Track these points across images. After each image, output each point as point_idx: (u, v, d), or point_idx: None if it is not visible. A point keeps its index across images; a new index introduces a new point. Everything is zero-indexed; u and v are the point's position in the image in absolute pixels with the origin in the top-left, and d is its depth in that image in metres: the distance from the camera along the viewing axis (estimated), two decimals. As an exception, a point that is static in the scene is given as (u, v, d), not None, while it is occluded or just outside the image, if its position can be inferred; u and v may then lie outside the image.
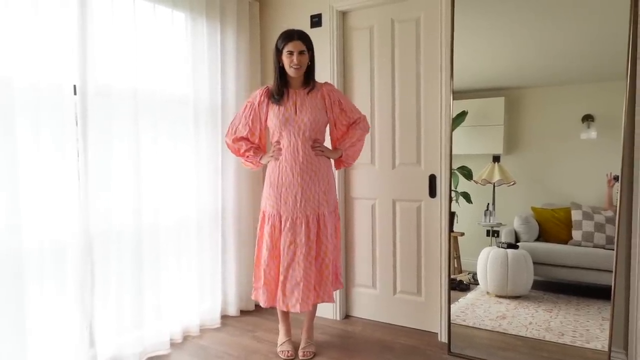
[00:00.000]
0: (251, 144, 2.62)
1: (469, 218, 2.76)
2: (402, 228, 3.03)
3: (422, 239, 2.95)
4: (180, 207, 2.89)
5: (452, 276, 2.75)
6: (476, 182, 2.71)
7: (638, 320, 2.25)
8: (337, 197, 2.73)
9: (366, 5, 3.02)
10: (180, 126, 2.88)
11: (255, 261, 2.63)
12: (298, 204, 2.46)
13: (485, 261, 2.71)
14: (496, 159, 2.66)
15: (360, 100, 3.07)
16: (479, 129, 2.73)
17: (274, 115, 2.51)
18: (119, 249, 2.48)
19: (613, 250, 2.26)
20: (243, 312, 3.31)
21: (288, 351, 2.59)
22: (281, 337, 2.69)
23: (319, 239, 2.50)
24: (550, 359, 2.40)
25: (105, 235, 2.42)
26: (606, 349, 2.26)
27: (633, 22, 2.17)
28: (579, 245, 2.46)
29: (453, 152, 2.67)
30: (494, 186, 2.68)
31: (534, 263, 2.59)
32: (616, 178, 2.26)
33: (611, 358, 2.27)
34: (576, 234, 2.47)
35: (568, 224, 2.49)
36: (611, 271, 2.26)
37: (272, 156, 2.55)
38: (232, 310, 3.25)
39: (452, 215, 2.74)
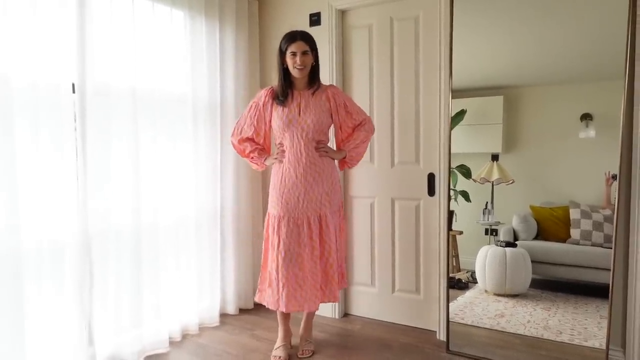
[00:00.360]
0: (256, 145, 2.61)
1: (467, 217, 2.77)
2: (400, 227, 3.03)
3: (421, 238, 2.96)
4: (179, 206, 2.89)
5: (450, 275, 2.76)
6: (475, 181, 2.72)
7: (636, 318, 2.26)
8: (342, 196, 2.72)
9: (365, 4, 3.01)
10: (179, 125, 2.88)
11: (262, 262, 2.62)
12: (300, 205, 2.46)
13: (484, 260, 2.72)
14: (495, 157, 2.67)
15: (359, 99, 3.07)
16: (477, 127, 2.74)
17: (277, 117, 2.50)
18: (117, 248, 2.48)
19: (611, 248, 2.27)
20: (242, 311, 3.32)
21: (280, 357, 2.55)
22: (278, 341, 2.66)
23: (321, 239, 2.50)
24: (548, 357, 2.41)
25: (103, 234, 2.42)
26: (604, 347, 2.27)
27: (631, 22, 2.17)
28: (577, 243, 2.47)
29: (452, 151, 2.67)
30: (492, 185, 2.68)
31: (533, 261, 2.59)
32: (614, 177, 2.27)
33: (609, 356, 2.28)
34: (574, 233, 2.48)
35: (566, 223, 2.50)
36: (609, 269, 2.26)
37: (275, 158, 2.54)
38: (231, 309, 3.25)
39: (450, 213, 2.74)
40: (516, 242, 2.64)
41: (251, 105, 2.60)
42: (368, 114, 2.84)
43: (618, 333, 2.33)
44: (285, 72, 2.49)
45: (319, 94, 2.52)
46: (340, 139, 2.62)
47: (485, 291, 2.73)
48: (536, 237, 2.61)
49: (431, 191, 2.87)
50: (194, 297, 2.97)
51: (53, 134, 2.18)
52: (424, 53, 2.87)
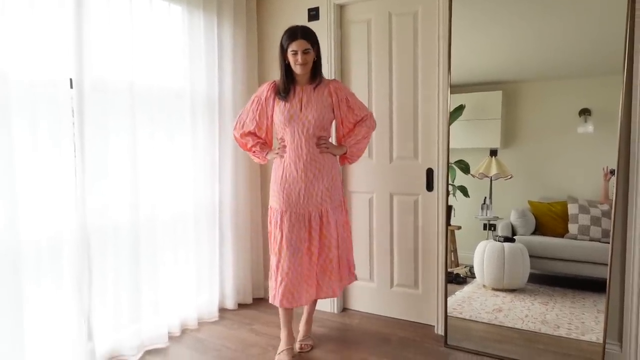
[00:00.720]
0: (258, 139, 2.61)
1: (466, 212, 2.78)
2: (399, 222, 3.04)
3: (420, 233, 2.97)
4: (178, 202, 2.89)
5: (449, 269, 2.76)
6: (473, 176, 2.72)
7: (633, 312, 2.27)
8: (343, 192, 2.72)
9: (364, -2, 3.01)
10: (177, 120, 2.87)
11: (273, 260, 2.60)
12: (301, 201, 2.46)
13: (482, 254, 2.72)
14: (493, 152, 2.67)
15: (358, 94, 3.04)
16: (476, 122, 2.74)
17: (279, 112, 2.49)
18: (116, 244, 2.48)
19: (609, 243, 2.28)
20: (241, 306, 3.32)
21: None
22: (281, 345, 2.59)
23: (321, 235, 2.51)
24: (545, 351, 2.42)
25: (102, 230, 2.42)
26: (601, 341, 2.28)
27: (630, 18, 2.17)
28: (575, 238, 2.48)
29: (450, 146, 2.67)
30: (491, 180, 2.69)
31: (531, 256, 2.60)
32: (612, 172, 2.27)
33: (606, 350, 2.30)
34: (572, 228, 2.48)
35: (564, 218, 2.51)
36: (607, 264, 2.27)
37: (277, 153, 2.54)
38: (230, 304, 3.26)
39: (449, 208, 2.75)
40: (514, 237, 2.65)
41: (253, 99, 2.59)
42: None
43: (615, 327, 2.34)
44: (287, 68, 2.47)
45: (321, 88, 2.51)
46: (341, 134, 2.61)
47: (484, 286, 2.74)
48: (534, 232, 2.62)
49: (430, 186, 2.87)
50: (192, 292, 2.97)
51: (51, 130, 2.18)
52: (423, 48, 2.86)
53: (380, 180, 3.09)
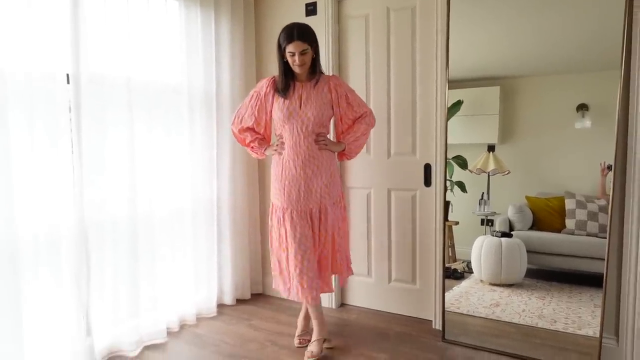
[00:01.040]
0: (256, 135, 2.60)
1: (463, 207, 2.78)
2: (397, 217, 3.05)
3: (417, 228, 2.97)
4: (175, 197, 2.88)
5: (446, 265, 2.77)
6: (471, 172, 2.72)
7: (629, 307, 2.28)
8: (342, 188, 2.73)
9: (361, -7, 3.00)
10: (175, 115, 2.87)
11: (272, 251, 2.64)
12: (302, 197, 2.46)
13: (480, 250, 2.73)
14: (491, 148, 2.67)
15: (356, 90, 3.04)
16: (474, 118, 2.74)
17: (278, 108, 2.48)
18: (114, 239, 2.48)
19: (606, 238, 2.29)
20: (239, 301, 3.33)
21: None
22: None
23: (320, 231, 2.52)
24: (542, 346, 2.44)
25: (100, 225, 2.42)
26: (597, 336, 2.29)
27: (628, 13, 2.17)
28: (572, 233, 2.49)
29: (448, 142, 2.68)
30: (488, 175, 2.69)
31: (528, 251, 2.61)
32: (610, 167, 2.28)
33: (602, 344, 2.31)
34: (569, 223, 2.49)
35: (562, 213, 2.51)
36: (603, 259, 2.28)
37: (275, 150, 2.53)
38: (228, 299, 3.26)
39: (446, 204, 2.75)
40: (512, 232, 2.66)
41: (252, 95, 2.57)
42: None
43: (611, 321, 2.36)
44: (285, 65, 2.46)
45: (320, 85, 2.50)
46: (340, 130, 2.60)
47: (481, 281, 2.75)
48: (531, 227, 2.63)
49: (427, 182, 2.88)
50: (191, 288, 2.98)
51: (48, 124, 2.17)
52: (421, 43, 2.86)
53: (378, 176, 3.09)
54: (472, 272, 2.77)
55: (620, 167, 2.28)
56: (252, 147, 2.62)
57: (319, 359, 2.48)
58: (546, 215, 2.57)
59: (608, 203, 2.28)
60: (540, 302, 2.54)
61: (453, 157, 2.73)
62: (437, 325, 2.83)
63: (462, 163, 2.73)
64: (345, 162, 3.17)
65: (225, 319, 3.05)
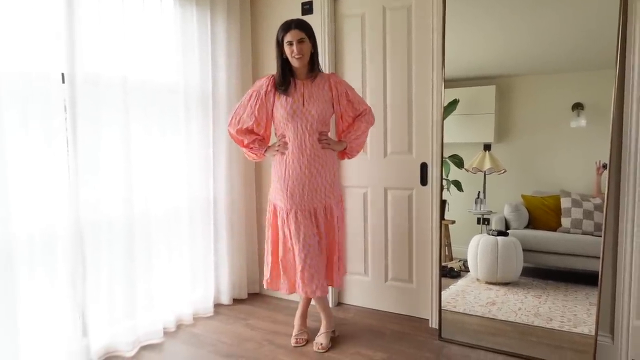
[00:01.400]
0: (256, 136, 2.56)
1: (460, 206, 2.79)
2: (393, 216, 3.05)
3: (414, 227, 2.98)
4: (172, 196, 2.88)
5: (443, 263, 2.78)
6: (467, 171, 2.73)
7: (624, 305, 2.29)
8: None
9: (358, -7, 3.00)
10: (171, 115, 2.86)
11: (271, 255, 2.63)
12: (306, 196, 2.46)
13: (476, 248, 2.74)
14: (487, 147, 2.68)
15: (352, 89, 3.06)
16: (470, 117, 2.74)
17: (280, 106, 2.46)
18: (110, 239, 2.48)
19: (601, 236, 2.30)
20: (236, 301, 3.33)
21: (321, 344, 2.58)
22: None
23: (327, 229, 2.53)
24: (538, 344, 2.44)
25: (95, 224, 2.41)
26: (593, 334, 2.31)
27: (622, 12, 2.17)
28: (568, 232, 2.50)
29: (444, 141, 2.68)
30: (484, 174, 2.70)
31: (524, 250, 2.62)
32: (605, 166, 2.29)
33: (598, 342, 2.32)
34: (565, 221, 2.50)
35: (557, 212, 2.52)
36: (599, 257, 2.29)
37: (277, 150, 2.52)
38: (225, 299, 3.26)
39: (443, 203, 2.76)
40: (508, 231, 2.67)
41: (251, 94, 2.54)
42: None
43: (607, 319, 2.37)
44: (284, 62, 2.45)
45: (320, 82, 2.50)
46: (341, 129, 2.61)
47: (477, 279, 2.76)
48: (527, 226, 2.64)
49: (424, 181, 2.88)
50: (187, 288, 2.97)
51: (43, 124, 2.16)
52: (417, 42, 2.86)
53: (374, 175, 3.09)
54: (469, 271, 2.78)
55: (615, 166, 2.29)
56: (252, 148, 2.58)
57: (327, 351, 2.53)
58: (542, 213, 2.58)
59: (603, 201, 2.29)
60: (536, 301, 2.55)
61: (449, 156, 2.74)
62: (434, 323, 2.83)
63: (459, 162, 2.74)
64: (342, 161, 3.17)
65: (222, 318, 3.04)
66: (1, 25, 1.99)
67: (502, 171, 2.63)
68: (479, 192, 2.73)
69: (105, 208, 2.45)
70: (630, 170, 2.24)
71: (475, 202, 2.75)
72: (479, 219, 2.75)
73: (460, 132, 2.73)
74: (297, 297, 2.97)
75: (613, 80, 2.21)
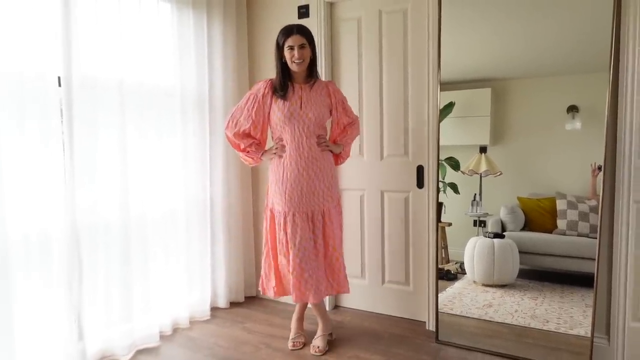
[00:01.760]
0: (252, 140, 2.57)
1: (456, 208, 2.79)
2: (390, 219, 3.05)
3: (410, 230, 2.98)
4: (168, 199, 2.87)
5: (439, 266, 2.78)
6: (463, 173, 2.74)
7: (620, 306, 2.30)
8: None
9: (354, -4, 3.01)
10: (167, 118, 2.86)
11: (265, 258, 2.64)
12: (304, 200, 2.46)
13: (472, 251, 2.74)
14: (483, 149, 2.69)
15: (348, 92, 3.07)
16: (466, 120, 2.75)
17: (278, 109, 2.47)
18: (106, 242, 2.47)
19: (596, 238, 2.31)
20: (233, 304, 3.32)
21: (318, 347, 2.57)
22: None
23: (326, 233, 2.53)
24: (535, 346, 2.45)
25: (92, 227, 2.40)
26: (589, 335, 2.31)
27: (616, 15, 2.19)
28: (564, 234, 2.50)
29: (440, 143, 2.69)
30: (480, 177, 2.71)
31: (520, 252, 2.63)
32: (600, 168, 2.30)
33: (594, 343, 2.33)
34: (561, 223, 2.51)
35: (553, 214, 2.53)
36: (594, 259, 2.30)
37: (275, 153, 2.53)
38: (222, 302, 3.25)
39: (439, 205, 2.76)
40: (504, 233, 2.67)
41: (248, 97, 2.55)
42: (354, 106, 2.93)
43: (602, 321, 2.37)
44: (283, 66, 2.47)
45: (319, 88, 2.53)
46: (335, 134, 2.66)
47: (474, 282, 2.76)
48: (523, 228, 2.64)
49: (420, 183, 2.89)
50: (184, 291, 2.96)
51: (39, 127, 2.15)
52: (413, 46, 2.87)
53: (371, 178, 3.10)
54: (465, 273, 2.79)
55: (609, 168, 2.30)
56: (249, 152, 2.59)
57: (324, 354, 2.53)
58: (538, 216, 2.59)
59: (599, 203, 2.30)
60: (533, 303, 2.56)
61: (445, 159, 2.75)
62: (431, 326, 2.83)
63: (455, 164, 2.74)
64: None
65: (218, 322, 3.04)
66: (-3, 28, 1.99)
67: (498, 173, 2.64)
68: (475, 194, 2.74)
69: (102, 210, 2.44)
70: (625, 172, 2.25)
71: (472, 205, 2.75)
72: (475, 221, 2.76)
73: (456, 135, 2.74)
74: (294, 300, 2.96)
75: (607, 83, 2.22)
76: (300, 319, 2.75)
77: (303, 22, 3.07)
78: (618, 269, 2.30)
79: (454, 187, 2.77)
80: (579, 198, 2.44)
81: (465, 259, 2.77)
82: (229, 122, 2.58)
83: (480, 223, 2.75)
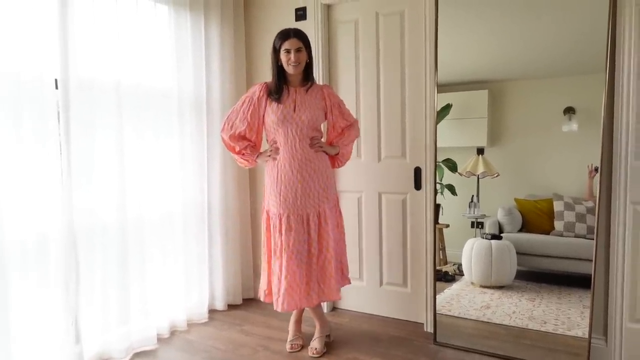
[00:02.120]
0: (248, 142, 2.58)
1: (453, 210, 2.80)
2: (388, 220, 3.05)
3: (408, 231, 2.98)
4: (166, 202, 2.87)
5: (437, 267, 2.78)
6: (461, 175, 2.74)
7: (617, 307, 2.31)
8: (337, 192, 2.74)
9: (351, -2, 3.02)
10: (165, 120, 2.85)
11: (267, 264, 2.62)
12: (298, 201, 2.46)
13: (470, 252, 2.75)
14: (480, 151, 2.69)
15: (346, 94, 3.07)
16: (463, 121, 2.76)
17: (272, 112, 2.48)
18: (103, 244, 2.46)
19: (593, 239, 2.31)
20: (230, 307, 3.31)
21: (316, 349, 2.57)
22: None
23: (320, 235, 2.51)
24: (533, 347, 2.45)
25: (89, 229, 2.40)
26: (587, 336, 2.31)
27: (612, 16, 2.21)
28: (561, 235, 2.51)
29: (438, 145, 2.70)
30: (478, 178, 2.71)
31: (517, 253, 2.63)
32: (597, 169, 2.31)
33: (591, 345, 2.33)
34: (558, 225, 2.52)
35: (550, 215, 2.54)
36: (591, 260, 2.31)
37: (269, 156, 2.53)
38: (220, 305, 3.24)
39: (437, 207, 2.77)
40: (501, 235, 2.68)
41: (244, 100, 2.57)
42: (352, 108, 2.91)
43: (600, 322, 2.38)
44: (279, 70, 2.48)
45: (314, 91, 2.54)
46: (332, 137, 2.65)
47: (472, 283, 2.77)
48: (521, 230, 2.65)
49: (418, 185, 2.89)
50: (181, 294, 2.95)
51: (36, 129, 2.15)
52: (410, 48, 2.88)
53: (368, 180, 3.10)
54: (463, 275, 2.79)
55: (606, 169, 2.31)
56: (244, 154, 2.59)
57: (322, 356, 2.53)
58: (535, 217, 2.60)
59: (595, 204, 2.31)
60: (530, 304, 2.56)
61: (443, 160, 2.75)
62: (429, 328, 2.83)
63: (452, 166, 2.75)
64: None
65: (216, 324, 3.03)
66: (-6, 30, 1.99)
67: (495, 175, 2.65)
68: (473, 196, 2.75)
69: (99, 212, 2.44)
70: (621, 173, 2.26)
71: (469, 206, 2.76)
72: (472, 223, 2.77)
73: (453, 137, 2.75)
74: (292, 302, 2.95)
75: (603, 85, 2.23)
76: (298, 321, 2.74)
77: (300, 24, 3.08)
78: (615, 270, 2.30)
79: (451, 188, 2.78)
80: (576, 199, 2.45)
81: (462, 260, 2.77)
82: (224, 124, 2.59)
83: (477, 224, 2.76)
